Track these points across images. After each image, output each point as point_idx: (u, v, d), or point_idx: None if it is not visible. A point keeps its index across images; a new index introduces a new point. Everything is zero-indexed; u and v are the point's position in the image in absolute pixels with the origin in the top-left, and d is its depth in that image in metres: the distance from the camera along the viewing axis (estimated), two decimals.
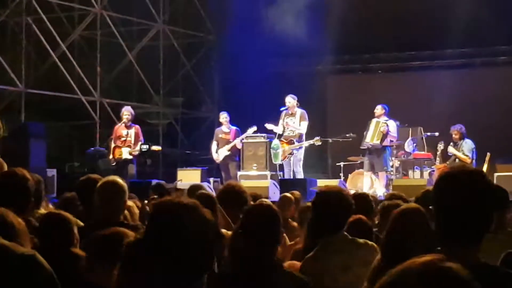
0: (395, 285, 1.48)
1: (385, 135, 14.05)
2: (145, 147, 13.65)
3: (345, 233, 4.39)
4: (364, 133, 14.34)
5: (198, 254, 2.38)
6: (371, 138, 14.13)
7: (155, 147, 14.55)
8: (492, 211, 2.59)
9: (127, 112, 14.01)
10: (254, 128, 14.78)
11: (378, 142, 14.07)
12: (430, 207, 2.62)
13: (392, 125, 14.19)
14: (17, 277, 1.76)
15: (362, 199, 5.90)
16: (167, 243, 2.36)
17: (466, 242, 2.49)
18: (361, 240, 4.37)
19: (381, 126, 14.05)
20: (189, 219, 2.38)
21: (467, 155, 13.99)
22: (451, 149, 14.22)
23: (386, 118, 14.26)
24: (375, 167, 14.18)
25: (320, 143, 14.27)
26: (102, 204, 4.81)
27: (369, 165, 14.23)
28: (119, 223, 4.78)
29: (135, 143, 13.90)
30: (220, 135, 15.03)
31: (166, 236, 2.37)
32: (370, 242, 4.36)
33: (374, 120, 14.26)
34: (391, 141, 14.33)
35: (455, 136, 14.14)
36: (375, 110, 14.39)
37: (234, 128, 15.02)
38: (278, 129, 14.28)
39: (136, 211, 6.19)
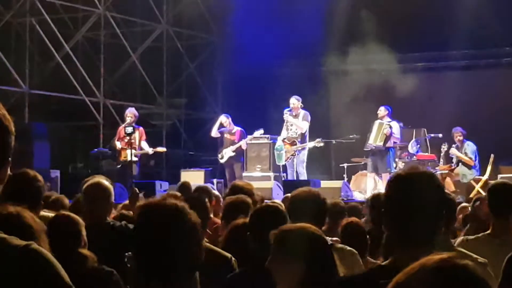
0: (411, 282, 1.48)
1: (388, 137, 14.05)
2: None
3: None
4: (368, 135, 14.34)
5: (184, 254, 2.44)
6: (374, 139, 14.14)
7: (160, 149, 14.59)
8: (441, 211, 2.60)
9: (130, 113, 14.01)
10: (261, 131, 14.76)
11: (381, 144, 14.08)
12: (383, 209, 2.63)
13: (396, 127, 14.19)
14: (17, 267, 1.76)
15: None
16: (152, 245, 2.44)
17: (417, 244, 2.49)
18: (339, 246, 4.33)
19: (384, 128, 14.06)
20: (175, 222, 2.44)
21: (470, 157, 14.00)
22: (453, 151, 14.23)
23: (389, 120, 14.26)
24: (378, 169, 14.18)
25: (321, 145, 14.26)
26: (88, 205, 4.79)
27: (372, 166, 14.23)
28: (105, 224, 4.76)
29: (139, 145, 13.92)
30: (225, 135, 15.04)
31: (150, 239, 2.45)
32: (348, 248, 4.30)
33: (377, 122, 14.26)
34: (394, 142, 14.33)
35: (460, 138, 14.16)
36: (378, 112, 14.41)
37: (239, 129, 15.02)
38: (284, 135, 14.27)
39: None
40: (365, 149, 14.47)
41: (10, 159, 1.92)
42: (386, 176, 14.08)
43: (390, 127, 14.08)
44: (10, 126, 1.89)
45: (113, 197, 4.90)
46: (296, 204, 4.26)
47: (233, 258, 4.11)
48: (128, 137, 13.22)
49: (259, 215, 3.98)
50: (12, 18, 17.30)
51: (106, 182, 4.89)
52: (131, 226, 4.90)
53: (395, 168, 14.96)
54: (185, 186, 8.95)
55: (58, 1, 17.28)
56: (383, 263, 2.66)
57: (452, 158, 14.45)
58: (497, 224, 4.44)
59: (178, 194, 6.08)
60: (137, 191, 6.00)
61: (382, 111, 14.38)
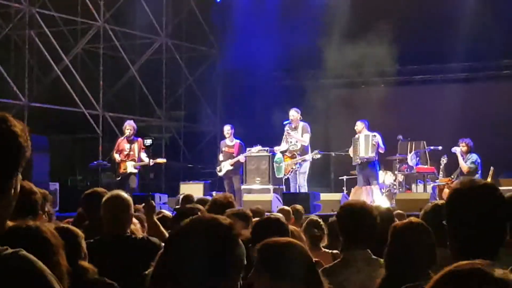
0: None
1: (377, 148, 14.04)
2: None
3: (369, 251, 4.31)
4: (349, 150, 14.29)
5: (228, 263, 2.45)
6: (365, 151, 14.08)
7: (160, 160, 14.57)
8: (505, 224, 2.58)
9: (129, 126, 14.01)
10: (259, 147, 14.73)
11: (373, 154, 14.04)
12: (444, 222, 2.61)
13: (379, 138, 14.18)
14: (4, 275, 1.72)
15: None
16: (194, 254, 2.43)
17: (480, 257, 2.46)
18: (374, 257, 4.30)
19: (372, 139, 14.04)
20: (225, 238, 2.46)
21: (468, 165, 13.92)
22: (456, 149, 14.10)
23: (369, 132, 14.22)
24: (370, 181, 14.11)
25: (318, 156, 14.24)
26: (108, 218, 4.78)
27: (364, 180, 14.15)
28: (126, 236, 4.76)
29: (139, 156, 13.90)
30: (223, 148, 15.04)
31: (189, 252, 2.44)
32: (382, 260, 4.27)
33: (361, 135, 14.19)
34: (379, 153, 14.30)
35: (463, 148, 14.08)
36: (356, 127, 14.36)
37: (237, 141, 15.00)
38: (284, 147, 14.24)
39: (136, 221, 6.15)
40: (354, 163, 14.40)
41: (19, 174, 1.88)
42: (377, 188, 14.06)
43: (376, 137, 14.08)
44: (24, 143, 1.84)
45: (132, 209, 4.90)
46: (345, 216, 4.30)
47: None
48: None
49: (261, 227, 3.96)
50: (11, 31, 17.33)
51: (125, 194, 4.88)
52: (153, 239, 4.86)
53: (394, 180, 14.94)
54: (187, 199, 8.94)
55: (57, 14, 17.31)
56: None
57: (454, 170, 14.36)
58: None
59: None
60: (154, 203, 5.97)
61: (359, 125, 14.34)
